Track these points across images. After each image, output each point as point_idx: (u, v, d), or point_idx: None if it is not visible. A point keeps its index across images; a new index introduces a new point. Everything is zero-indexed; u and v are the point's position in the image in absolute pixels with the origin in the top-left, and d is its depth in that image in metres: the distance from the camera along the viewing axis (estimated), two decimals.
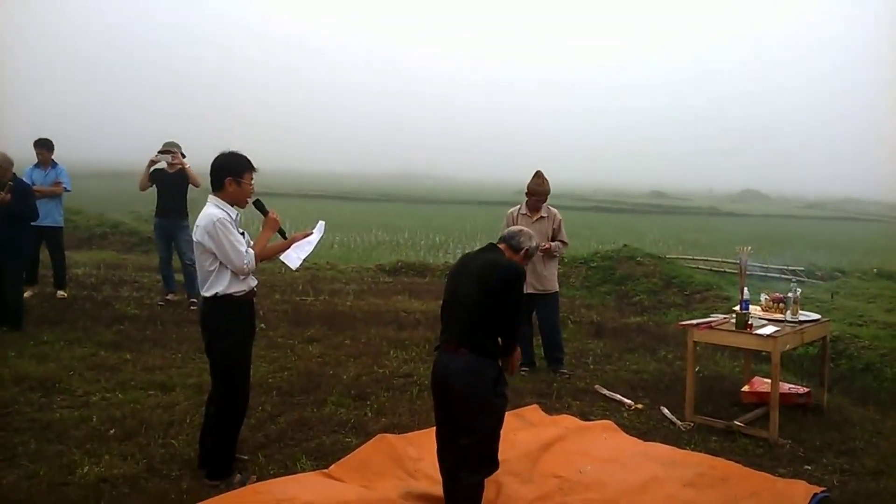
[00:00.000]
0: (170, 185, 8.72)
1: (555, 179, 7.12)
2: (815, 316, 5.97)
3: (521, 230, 4.13)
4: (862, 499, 4.36)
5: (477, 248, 4.19)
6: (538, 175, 7.06)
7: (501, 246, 4.01)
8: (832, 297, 11.06)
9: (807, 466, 4.87)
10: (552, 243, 6.96)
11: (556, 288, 7.12)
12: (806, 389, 6.16)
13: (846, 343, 8.07)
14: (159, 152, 8.75)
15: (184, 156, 8.76)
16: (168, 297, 8.95)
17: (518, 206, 7.14)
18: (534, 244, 4.09)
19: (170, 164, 8.74)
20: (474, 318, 3.72)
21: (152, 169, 8.75)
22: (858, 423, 5.82)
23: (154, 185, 8.80)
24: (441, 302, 3.97)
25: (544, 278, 6.95)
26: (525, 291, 6.76)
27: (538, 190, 6.99)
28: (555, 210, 7.14)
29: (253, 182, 4.26)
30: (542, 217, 7.01)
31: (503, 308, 3.75)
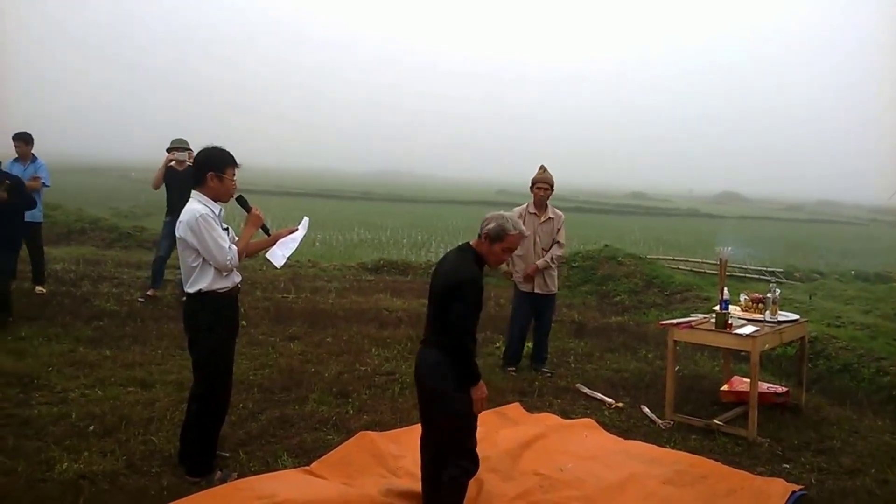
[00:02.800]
0: (179, 182, 8.54)
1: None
2: (794, 316, 6.03)
3: (493, 214, 3.82)
4: (839, 497, 4.42)
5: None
6: (541, 168, 7.13)
7: (473, 242, 3.84)
8: (810, 298, 11.18)
9: (785, 465, 4.92)
10: (539, 262, 6.94)
11: (556, 289, 7.18)
12: (784, 389, 6.23)
13: (824, 343, 8.15)
14: (172, 149, 8.64)
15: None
16: (149, 293, 8.85)
17: (525, 206, 7.12)
18: (493, 226, 3.72)
19: (178, 162, 8.59)
20: (436, 317, 3.74)
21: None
22: (836, 422, 5.88)
23: (164, 184, 8.69)
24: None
25: (551, 279, 7.03)
26: (533, 291, 6.86)
27: (539, 178, 7.01)
28: (560, 212, 7.16)
29: (235, 177, 4.24)
30: (549, 218, 7.05)
31: (450, 314, 3.61)
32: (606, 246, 13.87)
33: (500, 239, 3.74)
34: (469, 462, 3.76)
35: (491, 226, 3.75)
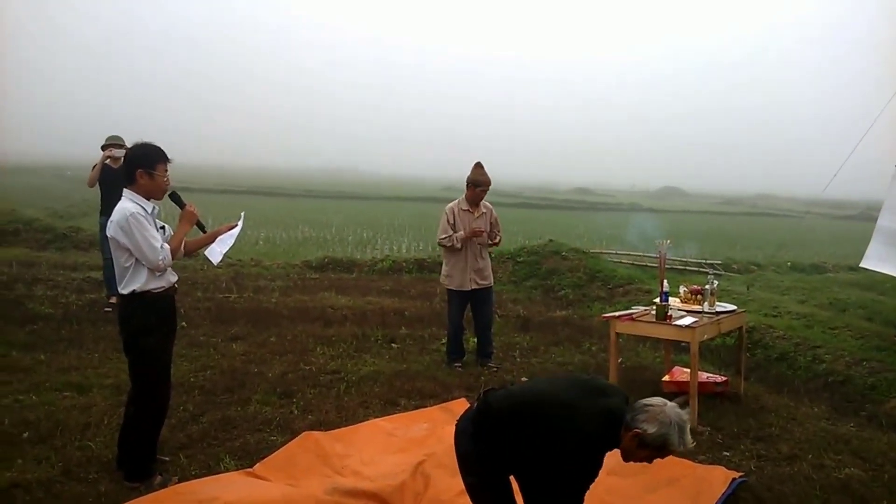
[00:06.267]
0: (116, 181, 8.21)
1: None
2: (732, 307, 6.14)
3: (657, 410, 2.85)
4: (777, 483, 4.51)
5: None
6: (479, 166, 6.97)
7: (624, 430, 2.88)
8: (748, 289, 11.43)
9: (725, 452, 5.01)
10: (489, 232, 6.97)
11: (492, 281, 7.16)
12: (724, 378, 6.35)
13: (761, 333, 8.35)
14: (107, 146, 8.27)
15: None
16: (112, 301, 8.27)
17: (456, 202, 7.03)
18: (656, 432, 2.80)
19: (114, 160, 8.14)
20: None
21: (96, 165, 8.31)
22: (773, 410, 6.01)
23: (98, 182, 8.29)
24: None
25: (483, 271, 6.96)
26: (469, 288, 6.83)
27: (481, 180, 6.88)
28: (490, 206, 7.12)
29: (167, 173, 4.14)
30: (482, 213, 6.99)
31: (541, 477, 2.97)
32: (551, 241, 13.99)
33: (658, 450, 2.87)
34: None
35: (653, 431, 2.81)
